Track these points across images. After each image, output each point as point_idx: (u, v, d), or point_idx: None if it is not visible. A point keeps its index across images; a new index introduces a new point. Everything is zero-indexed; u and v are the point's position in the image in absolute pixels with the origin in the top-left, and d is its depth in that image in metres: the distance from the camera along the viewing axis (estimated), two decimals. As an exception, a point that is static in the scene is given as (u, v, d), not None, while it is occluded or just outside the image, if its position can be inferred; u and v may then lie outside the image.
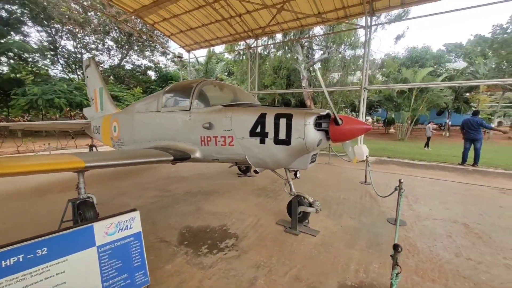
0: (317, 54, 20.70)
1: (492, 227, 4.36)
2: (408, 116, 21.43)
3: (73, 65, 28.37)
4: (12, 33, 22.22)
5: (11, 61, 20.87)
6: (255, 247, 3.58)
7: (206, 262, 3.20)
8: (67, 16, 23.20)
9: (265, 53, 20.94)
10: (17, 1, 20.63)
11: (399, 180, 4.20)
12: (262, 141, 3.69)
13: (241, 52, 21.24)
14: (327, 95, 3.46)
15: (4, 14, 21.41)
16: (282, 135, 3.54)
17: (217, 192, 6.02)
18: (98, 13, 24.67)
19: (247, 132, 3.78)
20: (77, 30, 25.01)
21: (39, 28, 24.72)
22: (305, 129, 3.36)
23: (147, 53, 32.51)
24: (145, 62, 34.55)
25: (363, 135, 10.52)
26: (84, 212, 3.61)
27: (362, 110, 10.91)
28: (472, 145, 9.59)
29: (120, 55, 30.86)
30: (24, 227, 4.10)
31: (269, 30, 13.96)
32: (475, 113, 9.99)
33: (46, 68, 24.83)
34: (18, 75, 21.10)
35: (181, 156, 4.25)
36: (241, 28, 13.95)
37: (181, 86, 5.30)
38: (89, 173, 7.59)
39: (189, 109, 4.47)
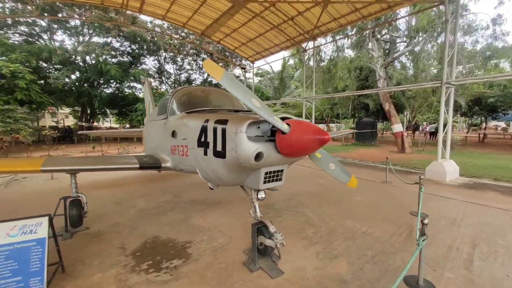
0: (400, 47, 17.11)
1: None
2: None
3: (174, 85, 34.85)
4: (138, 64, 29.73)
5: (133, 84, 27.70)
6: (193, 275, 3.07)
7: (132, 280, 2.97)
8: (168, 44, 28.80)
9: (335, 54, 19.12)
10: (136, 41, 27.27)
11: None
12: (205, 152, 3.17)
13: (299, 56, 20.20)
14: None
15: (130, 50, 28.93)
16: (219, 146, 2.91)
17: (219, 204, 5.71)
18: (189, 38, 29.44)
19: (195, 141, 3.35)
20: (175, 54, 30.62)
21: (153, 58, 31.99)
22: (236, 139, 2.63)
23: (228, 69, 36.05)
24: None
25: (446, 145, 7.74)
26: (71, 209, 4.12)
27: (450, 111, 8.11)
28: None
29: (206, 73, 35.57)
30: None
31: (326, 29, 12.64)
32: None
33: (156, 88, 31.62)
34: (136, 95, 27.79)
35: (150, 165, 4.23)
36: (295, 32, 13.28)
37: (166, 95, 5.33)
38: (135, 174, 8.88)
39: (166, 118, 4.43)
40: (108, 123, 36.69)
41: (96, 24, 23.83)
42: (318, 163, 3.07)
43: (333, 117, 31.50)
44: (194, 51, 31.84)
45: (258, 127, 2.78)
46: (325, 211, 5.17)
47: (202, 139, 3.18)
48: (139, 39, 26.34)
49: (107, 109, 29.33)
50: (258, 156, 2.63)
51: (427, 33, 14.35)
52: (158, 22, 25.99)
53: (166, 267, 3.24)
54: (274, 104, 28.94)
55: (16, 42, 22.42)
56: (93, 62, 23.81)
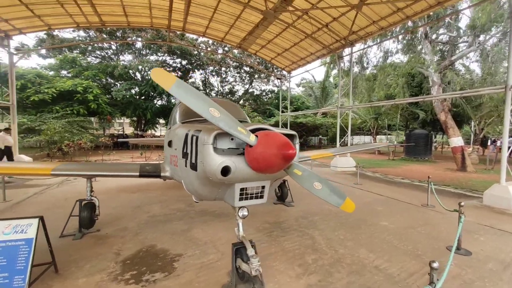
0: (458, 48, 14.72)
1: None
2: None
3: (217, 96, 36.85)
4: (187, 77, 32.49)
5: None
6: (167, 292, 2.94)
7: (109, 289, 3.00)
8: (210, 59, 30.76)
9: (379, 60, 17.54)
10: (184, 57, 29.88)
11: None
12: (186, 164, 3.05)
13: (337, 64, 19.05)
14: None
15: (179, 65, 31.82)
16: (193, 158, 2.77)
17: (226, 216, 5.54)
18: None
19: (180, 151, 3.27)
20: (217, 67, 32.47)
21: (200, 72, 34.59)
22: (204, 151, 2.45)
23: (269, 79, 36.52)
24: (269, 87, 38.97)
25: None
26: (83, 211, 4.48)
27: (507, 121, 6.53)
28: None
29: (248, 84, 36.70)
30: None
31: (364, 33, 11.71)
32: None
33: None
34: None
35: (149, 173, 4.32)
36: (331, 39, 12.66)
37: (176, 105, 5.40)
38: (160, 180, 9.40)
39: (170, 127, 4.52)
40: (159, 131, 40.42)
41: (151, 45, 26.92)
42: (300, 182, 2.67)
43: (383, 128, 28.79)
44: (236, 63, 33.20)
45: (232, 139, 2.57)
46: (338, 235, 4.53)
47: (185, 150, 3.10)
48: (187, 55, 28.69)
49: (158, 119, 32.39)
50: (226, 171, 2.40)
51: (493, 30, 12.06)
52: (203, 39, 28.15)
53: (146, 280, 3.18)
54: (314, 114, 27.97)
55: (93, 64, 26.84)
56: (147, 77, 26.77)
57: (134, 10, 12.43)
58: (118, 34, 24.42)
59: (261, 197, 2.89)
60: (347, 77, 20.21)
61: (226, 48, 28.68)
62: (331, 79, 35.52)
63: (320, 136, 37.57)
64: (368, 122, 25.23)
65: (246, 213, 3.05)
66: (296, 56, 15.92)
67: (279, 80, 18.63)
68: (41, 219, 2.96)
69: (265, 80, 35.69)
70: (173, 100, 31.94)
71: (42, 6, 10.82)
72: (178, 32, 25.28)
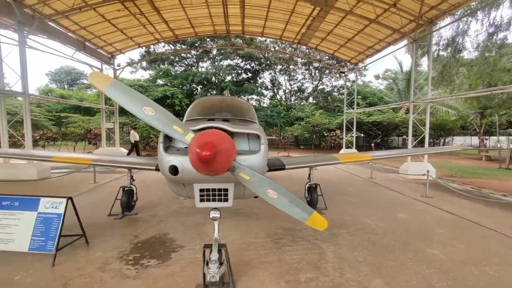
0: None
1: None
2: None
3: (285, 94, 36.85)
4: (256, 78, 34.01)
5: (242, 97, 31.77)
6: (150, 279, 3.16)
7: (111, 265, 3.46)
8: (278, 58, 30.93)
9: (480, 38, 13.33)
10: (252, 59, 31.23)
11: None
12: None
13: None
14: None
15: (250, 67, 33.48)
16: (160, 156, 2.83)
17: (245, 216, 5.48)
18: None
19: (169, 149, 3.40)
20: (285, 66, 32.36)
21: (269, 72, 35.44)
22: (158, 150, 2.48)
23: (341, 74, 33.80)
24: (341, 82, 36.11)
25: None
26: (123, 196, 5.34)
27: None
28: None
29: (317, 81, 35.06)
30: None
31: (449, 6, 9.19)
32: None
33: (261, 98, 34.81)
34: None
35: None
36: (402, 20, 10.56)
37: None
38: None
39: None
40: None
41: (221, 51, 29.39)
42: (250, 188, 2.33)
43: (496, 127, 22.10)
44: (304, 60, 32.21)
45: None
46: (356, 256, 3.76)
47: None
48: (253, 58, 29.91)
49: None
50: (175, 170, 2.37)
51: None
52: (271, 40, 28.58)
53: (141, 264, 3.52)
54: (394, 111, 24.07)
55: (179, 72, 31.56)
56: (217, 81, 29.33)
57: (198, 21, 13.86)
58: (196, 44, 27.83)
59: (225, 200, 2.72)
60: (437, 63, 16.54)
61: (294, 46, 28.31)
62: (424, 65, 29.69)
63: (404, 136, 32.08)
64: (470, 118, 19.76)
65: (217, 215, 2.92)
66: (362, 45, 14.14)
67: (343, 74, 16.94)
68: (70, 199, 3.70)
69: (337, 75, 33.23)
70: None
71: (132, 29, 13.44)
72: (247, 37, 26.87)
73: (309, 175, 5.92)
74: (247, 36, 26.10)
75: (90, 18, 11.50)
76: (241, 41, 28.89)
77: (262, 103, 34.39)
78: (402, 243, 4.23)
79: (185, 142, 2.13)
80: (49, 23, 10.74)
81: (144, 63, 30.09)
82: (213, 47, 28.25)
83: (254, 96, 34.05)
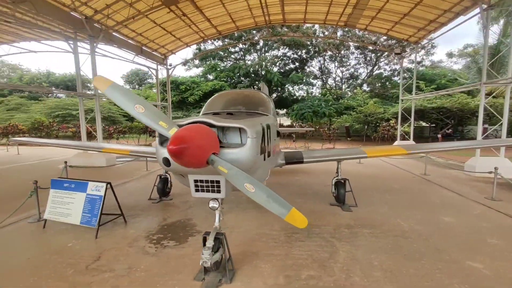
0: None
1: None
2: None
3: (335, 82, 34.57)
4: (304, 67, 32.88)
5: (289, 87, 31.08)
6: (164, 258, 3.55)
7: (137, 243, 4.00)
8: (327, 44, 29.05)
9: None
10: (298, 48, 30.11)
11: None
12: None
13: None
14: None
15: (297, 57, 32.48)
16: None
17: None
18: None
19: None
20: (336, 52, 30.22)
21: (318, 59, 33.74)
22: (156, 142, 2.72)
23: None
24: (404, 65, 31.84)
25: None
26: (158, 183, 6.02)
27: None
28: None
29: (371, 66, 31.75)
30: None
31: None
32: None
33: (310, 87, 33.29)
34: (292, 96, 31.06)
35: None
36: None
37: None
38: None
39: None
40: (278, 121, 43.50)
41: (267, 42, 29.16)
42: (230, 180, 2.33)
43: None
44: (356, 44, 29.49)
45: None
46: (372, 260, 3.43)
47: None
48: (300, 46, 28.84)
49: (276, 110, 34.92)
50: (167, 162, 2.57)
51: None
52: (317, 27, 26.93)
53: (161, 244, 3.97)
54: (469, 94, 20.09)
55: (227, 67, 32.79)
56: (263, 73, 29.34)
57: (238, 15, 14.08)
58: (243, 37, 28.34)
59: (218, 191, 2.81)
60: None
61: (346, 29, 26.15)
62: None
63: (486, 125, 26.52)
64: None
65: (216, 205, 3.06)
66: (422, 20, 12.14)
67: (397, 55, 14.85)
68: (109, 184, 4.39)
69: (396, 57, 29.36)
70: (293, 92, 32.95)
71: (179, 31, 14.54)
72: (293, 25, 26.01)
73: (337, 169, 5.55)
74: (293, 24, 25.32)
75: (144, 25, 12.92)
76: (286, 29, 28.14)
77: (310, 93, 33.13)
78: (435, 251, 3.65)
79: (168, 136, 2.29)
80: (113, 33, 12.51)
81: (196, 61, 32.27)
82: (256, 38, 28.21)
83: (303, 86, 33.07)
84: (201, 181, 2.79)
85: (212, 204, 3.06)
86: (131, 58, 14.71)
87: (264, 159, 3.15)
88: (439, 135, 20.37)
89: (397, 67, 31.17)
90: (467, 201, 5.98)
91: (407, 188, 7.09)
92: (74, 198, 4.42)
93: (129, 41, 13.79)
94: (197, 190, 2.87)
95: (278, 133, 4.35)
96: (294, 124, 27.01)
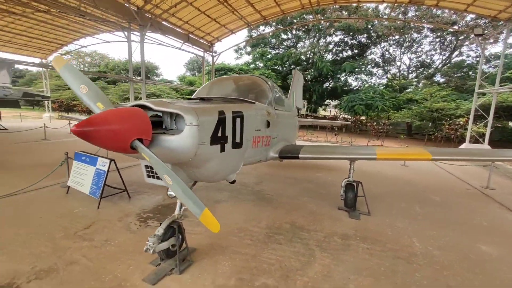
0: None
1: None
2: None
3: (399, 71, 30.15)
4: (364, 54, 29.70)
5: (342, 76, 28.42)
6: (140, 236, 3.70)
7: (128, 218, 4.29)
8: (388, 28, 25.27)
9: None
10: (353, 33, 27.07)
11: None
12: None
13: None
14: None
15: (356, 43, 29.41)
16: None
17: (264, 202, 5.19)
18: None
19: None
20: (401, 37, 26.12)
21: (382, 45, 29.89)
22: None
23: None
24: (495, 49, 25.55)
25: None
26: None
27: None
28: None
29: (449, 52, 26.40)
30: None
31: None
32: None
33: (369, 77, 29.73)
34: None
35: None
36: None
37: None
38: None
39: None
40: (329, 112, 40.44)
41: (320, 27, 27.09)
42: (155, 168, 2.13)
43: None
44: (429, 26, 24.81)
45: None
46: (349, 281, 2.85)
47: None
48: (354, 31, 25.99)
49: (326, 101, 32.69)
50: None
51: None
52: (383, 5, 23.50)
53: (145, 223, 4.14)
54: None
55: (279, 54, 31.93)
56: (314, 61, 27.56)
57: (282, -2, 13.31)
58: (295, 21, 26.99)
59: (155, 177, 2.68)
60: None
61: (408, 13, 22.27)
62: None
63: None
64: None
65: (171, 193, 2.95)
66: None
67: (478, 36, 11.75)
68: (113, 160, 4.78)
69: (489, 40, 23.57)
70: (346, 81, 30.37)
71: (224, 17, 14.69)
72: (353, 5, 23.41)
73: (350, 169, 4.79)
74: (352, 5, 22.72)
75: (190, 12, 13.46)
76: (345, 13, 25.52)
77: (369, 83, 29.76)
78: (443, 286, 2.81)
79: (100, 118, 2.24)
80: (163, 22, 13.44)
81: (248, 48, 32.44)
82: (307, 23, 26.38)
83: (363, 76, 29.97)
84: (151, 167, 2.70)
85: (169, 191, 2.98)
86: (179, 46, 15.65)
87: (223, 150, 2.86)
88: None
89: (488, 52, 25.17)
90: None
91: (451, 202, 5.71)
92: (87, 170, 4.97)
93: (177, 29, 14.65)
94: (149, 176, 2.82)
95: (268, 124, 3.92)
96: (347, 117, 24.94)
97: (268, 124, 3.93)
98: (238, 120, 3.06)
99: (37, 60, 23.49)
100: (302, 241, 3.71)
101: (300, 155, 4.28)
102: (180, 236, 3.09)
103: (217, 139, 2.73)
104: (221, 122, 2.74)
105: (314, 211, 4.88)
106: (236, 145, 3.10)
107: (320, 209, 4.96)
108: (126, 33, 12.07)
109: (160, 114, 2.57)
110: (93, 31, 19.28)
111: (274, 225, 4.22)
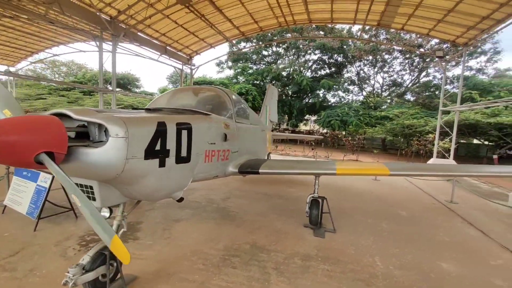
0: None
1: None
2: None
3: (374, 90, 31.74)
4: (341, 73, 30.98)
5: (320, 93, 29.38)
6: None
7: (66, 244, 3.80)
8: (357, 50, 26.90)
9: None
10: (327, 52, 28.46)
11: None
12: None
13: None
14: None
15: (333, 61, 30.76)
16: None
17: (227, 220, 4.88)
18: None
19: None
20: (372, 57, 27.78)
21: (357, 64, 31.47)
22: None
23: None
24: (457, 71, 27.72)
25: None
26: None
27: None
28: None
29: (417, 73, 28.37)
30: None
31: None
32: None
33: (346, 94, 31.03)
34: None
35: None
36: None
37: None
38: None
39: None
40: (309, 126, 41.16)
41: (298, 45, 28.19)
42: (64, 186, 1.84)
43: None
44: (399, 48, 26.66)
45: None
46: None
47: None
48: (328, 50, 27.35)
49: (306, 116, 33.38)
50: None
51: None
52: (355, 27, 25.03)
53: (87, 247, 3.67)
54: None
55: (257, 70, 32.50)
56: (293, 77, 28.37)
57: (260, 15, 13.68)
58: (275, 38, 27.82)
59: (93, 199, 2.34)
60: None
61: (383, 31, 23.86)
62: None
63: None
64: None
65: (106, 214, 2.61)
66: (472, 16, 10.22)
67: (440, 59, 12.66)
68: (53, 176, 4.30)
69: (452, 62, 25.60)
70: (317, 99, 31.28)
71: (202, 31, 14.74)
72: (329, 26, 24.67)
73: (314, 184, 4.65)
74: (331, 25, 23.92)
75: (167, 25, 13.37)
76: (322, 32, 26.80)
77: (346, 100, 30.94)
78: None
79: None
80: (138, 33, 13.20)
81: (230, 63, 32.78)
82: (285, 40, 27.27)
83: (340, 92, 31.09)
84: (76, 184, 2.35)
85: (103, 213, 2.63)
86: (156, 57, 15.39)
87: (163, 166, 2.59)
88: (495, 156, 16.94)
89: (453, 73, 27.28)
90: (491, 244, 4.50)
91: (417, 218, 5.72)
92: (27, 187, 4.43)
93: (154, 41, 14.43)
94: (76, 195, 2.46)
95: (225, 137, 3.72)
96: (323, 132, 25.45)
97: (225, 137, 3.73)
98: (184, 132, 2.82)
99: (3, 68, 22.07)
100: (259, 264, 3.43)
101: (260, 170, 4.08)
102: (115, 264, 2.70)
103: (155, 153, 2.46)
104: (160, 134, 2.49)
105: (279, 229, 4.63)
106: (182, 160, 2.84)
107: (286, 227, 4.73)
108: (97, 42, 11.65)
109: (86, 124, 2.27)
110: (66, 39, 18.53)
111: (233, 246, 3.91)
